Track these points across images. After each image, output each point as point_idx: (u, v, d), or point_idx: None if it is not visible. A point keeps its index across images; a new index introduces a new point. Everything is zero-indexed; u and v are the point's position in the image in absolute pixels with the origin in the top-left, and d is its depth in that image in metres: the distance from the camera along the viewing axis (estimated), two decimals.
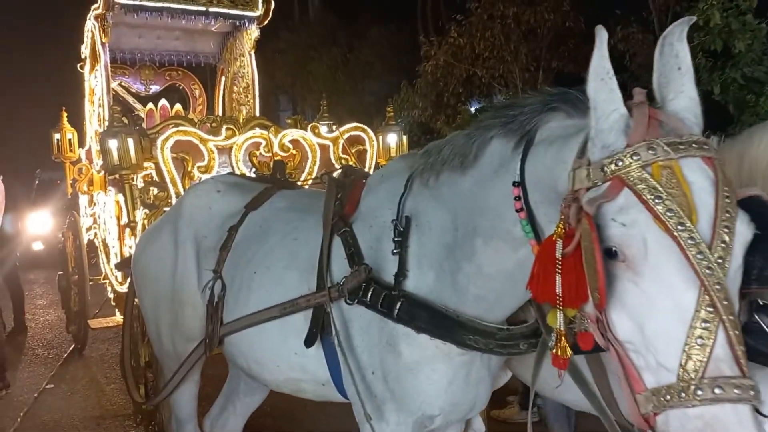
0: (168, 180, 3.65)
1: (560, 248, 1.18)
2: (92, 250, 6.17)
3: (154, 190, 3.70)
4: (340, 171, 2.11)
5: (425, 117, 9.40)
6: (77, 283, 6.16)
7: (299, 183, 3.04)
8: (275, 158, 3.79)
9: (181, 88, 7.52)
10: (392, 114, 4.38)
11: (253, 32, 5.99)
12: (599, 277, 1.09)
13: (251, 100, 6.23)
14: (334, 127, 4.44)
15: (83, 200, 6.36)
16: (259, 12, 5.75)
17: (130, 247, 4.95)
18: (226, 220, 2.36)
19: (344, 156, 4.17)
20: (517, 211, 1.45)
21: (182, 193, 3.64)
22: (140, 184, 4.32)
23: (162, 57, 6.79)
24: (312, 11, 17.76)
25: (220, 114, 6.73)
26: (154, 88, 7.30)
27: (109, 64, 5.51)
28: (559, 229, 1.21)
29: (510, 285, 1.60)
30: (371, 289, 1.75)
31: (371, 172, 4.35)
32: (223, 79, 6.89)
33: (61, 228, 13.73)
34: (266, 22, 5.94)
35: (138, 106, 6.98)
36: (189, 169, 3.72)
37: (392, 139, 4.34)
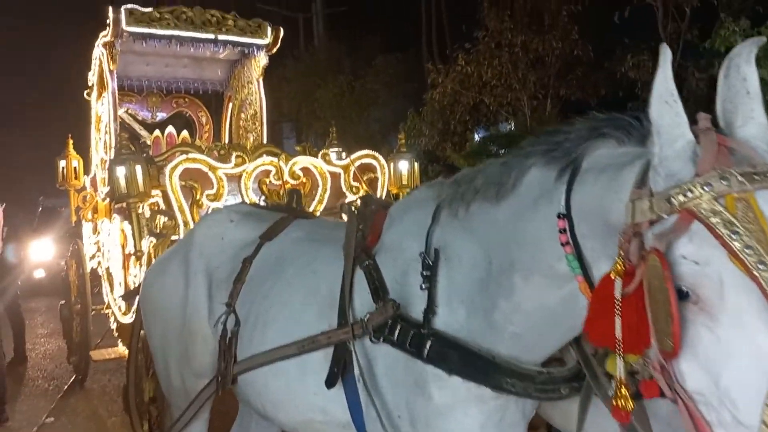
0: (176, 208, 3.56)
1: (620, 287, 1.07)
2: (95, 279, 6.07)
3: (161, 219, 3.61)
4: (359, 200, 2.00)
5: (432, 145, 9.36)
6: (79, 312, 6.05)
7: (311, 211, 2.94)
8: (287, 186, 3.70)
9: (187, 115, 7.49)
10: (404, 141, 4.30)
11: (262, 60, 5.96)
12: (673, 320, 0.98)
13: (259, 128, 6.19)
14: (343, 155, 4.36)
15: (87, 228, 6.27)
16: (268, 40, 5.72)
17: (135, 276, 4.85)
18: (240, 251, 2.25)
19: (355, 184, 4.09)
20: (562, 244, 1.34)
21: (190, 221, 3.55)
22: (147, 212, 4.24)
23: (169, 84, 6.78)
24: (317, 39, 17.89)
25: (227, 141, 6.68)
26: (161, 116, 7.28)
27: (116, 92, 5.47)
28: (618, 266, 1.10)
29: (551, 324, 1.48)
30: (398, 327, 1.64)
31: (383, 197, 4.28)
32: (231, 106, 6.86)
33: (64, 255, 13.63)
34: (275, 50, 5.91)
35: (144, 133, 6.95)
36: (198, 197, 3.63)
37: (404, 166, 4.25)
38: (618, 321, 1.06)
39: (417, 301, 1.67)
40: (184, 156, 3.61)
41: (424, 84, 12.96)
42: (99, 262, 5.93)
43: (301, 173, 3.92)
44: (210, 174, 3.65)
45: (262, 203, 3.78)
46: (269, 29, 5.69)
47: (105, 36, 5.42)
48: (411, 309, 1.68)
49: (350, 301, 1.76)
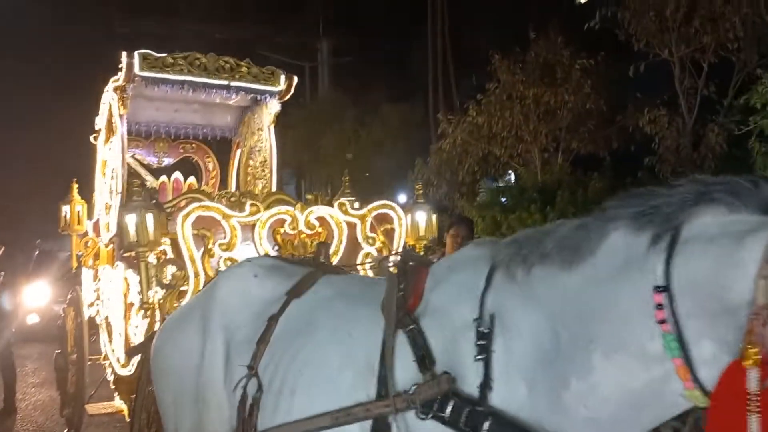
0: (187, 258, 3.40)
1: (756, 379, 0.91)
2: (92, 328, 5.86)
3: (169, 269, 3.44)
4: (398, 256, 1.85)
5: (440, 194, 9.28)
6: (75, 362, 5.80)
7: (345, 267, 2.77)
8: (302, 237, 3.56)
9: (194, 161, 7.42)
10: (421, 191, 4.18)
11: (274, 107, 5.92)
12: None
13: (268, 175, 6.10)
14: (356, 204, 4.24)
15: (87, 274, 6.10)
16: (281, 87, 5.69)
17: (137, 327, 4.65)
18: (265, 308, 2.09)
19: (371, 234, 3.94)
20: (658, 322, 1.19)
21: (201, 272, 3.39)
22: (153, 261, 4.09)
23: (178, 130, 6.74)
24: (322, 88, 18.05)
25: (235, 188, 6.59)
26: (167, 161, 7.22)
27: (126, 136, 5.38)
28: (752, 353, 0.94)
29: (634, 410, 1.32)
30: (451, 403, 1.46)
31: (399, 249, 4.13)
32: (239, 152, 6.80)
33: (59, 301, 13.35)
34: (287, 97, 5.87)
35: (150, 178, 6.87)
36: (209, 246, 3.48)
37: (421, 217, 4.12)
38: (755, 420, 0.90)
39: (469, 373, 1.51)
40: (196, 203, 3.47)
41: (429, 134, 13.04)
42: (98, 311, 5.74)
43: (316, 223, 3.78)
44: (223, 222, 3.51)
45: (274, 253, 3.63)
46: (282, 77, 5.67)
47: (116, 80, 5.36)
48: (462, 382, 1.52)
49: (392, 369, 1.59)
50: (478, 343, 1.49)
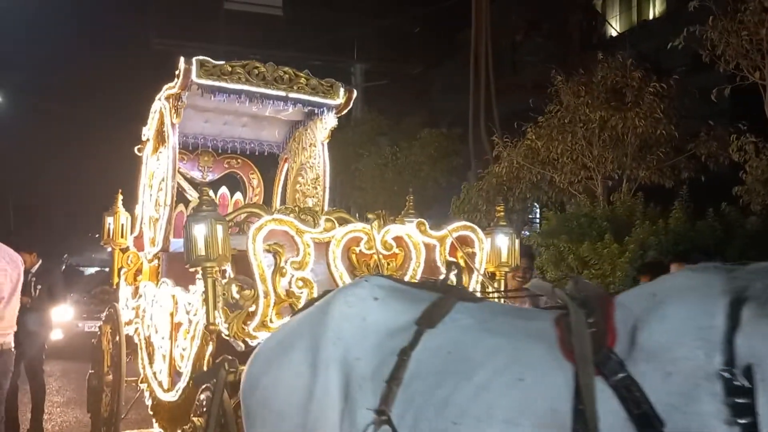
0: (257, 276, 3.10)
1: None
2: (128, 347, 5.60)
3: (233, 288, 3.15)
4: (571, 282, 1.52)
5: (489, 222, 8.90)
6: (111, 384, 5.52)
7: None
8: (393, 261, 3.25)
9: (237, 176, 7.22)
10: (502, 214, 3.85)
11: (330, 121, 5.68)
12: None
13: (320, 193, 5.86)
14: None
15: (125, 291, 5.85)
16: (340, 100, 5.46)
17: (184, 350, 4.38)
18: (387, 338, 1.79)
19: (451, 258, 3.62)
20: None
21: (271, 292, 3.08)
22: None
23: (225, 143, 6.59)
24: (355, 111, 17.93)
25: (279, 205, 6.34)
26: (211, 176, 7.01)
27: (177, 147, 5.17)
28: None
29: None
30: None
31: (478, 280, 3.79)
32: (286, 168, 6.57)
33: (82, 317, 13.17)
34: (345, 112, 5.63)
35: (194, 193, 6.65)
36: (281, 264, 3.18)
37: (503, 242, 3.80)
38: None
39: None
40: (269, 216, 3.18)
41: (468, 158, 12.76)
42: (136, 330, 5.48)
43: (393, 243, 3.47)
44: (296, 238, 3.21)
45: (348, 276, 3.32)
46: (342, 90, 5.44)
47: (171, 88, 5.17)
48: None
49: (596, 429, 1.25)
50: (734, 401, 1.15)
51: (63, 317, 12.68)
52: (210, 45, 15.43)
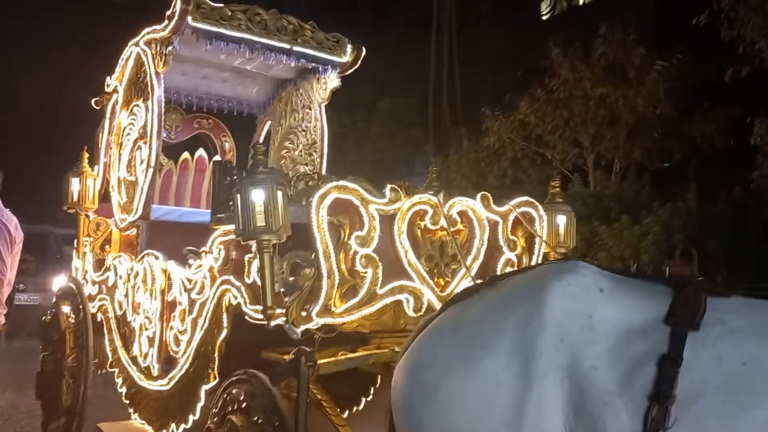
0: (321, 252, 2.64)
1: None
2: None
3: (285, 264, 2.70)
4: None
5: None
6: (72, 368, 4.88)
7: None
8: (441, 233, 2.86)
9: (206, 138, 6.55)
10: (558, 190, 3.55)
11: (332, 82, 5.18)
12: None
13: (317, 159, 5.36)
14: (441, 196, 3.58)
15: (78, 262, 5.21)
16: (347, 59, 4.99)
17: (181, 332, 3.89)
18: (626, 342, 1.45)
19: (513, 237, 3.29)
20: None
21: (336, 271, 2.65)
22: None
23: (201, 101, 5.90)
24: None
25: None
26: (179, 137, 6.31)
27: (162, 100, 4.55)
28: None
29: None
30: None
31: (539, 258, 3.49)
32: (264, 131, 6.02)
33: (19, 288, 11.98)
34: (349, 72, 5.16)
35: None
36: (345, 239, 2.73)
37: (561, 220, 3.50)
38: None
39: None
40: (333, 183, 2.72)
41: (426, 131, 12.46)
42: (102, 307, 4.87)
43: (458, 218, 3.09)
44: (362, 209, 2.77)
45: (413, 254, 2.93)
46: (349, 47, 4.97)
47: (157, 31, 4.53)
48: None
49: None
50: None
51: None
52: None
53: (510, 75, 8.43)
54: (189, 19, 4.24)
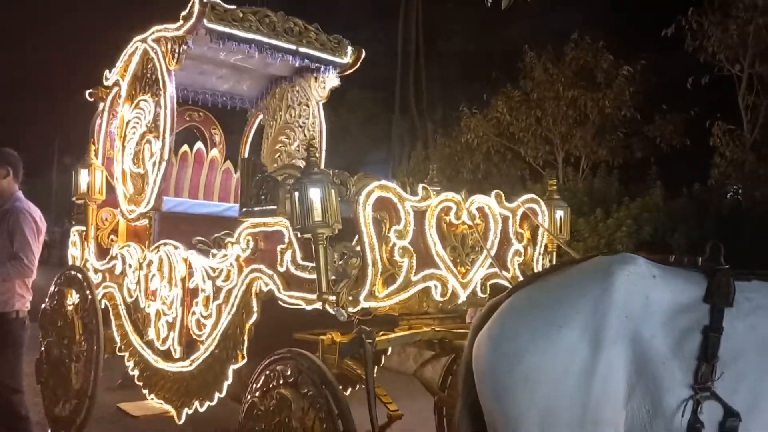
0: (367, 244, 2.98)
1: None
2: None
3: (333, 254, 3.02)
4: None
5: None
6: (81, 354, 5.03)
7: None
8: (463, 228, 3.25)
9: (196, 131, 6.72)
10: (555, 187, 3.97)
11: (331, 81, 5.47)
12: None
13: (316, 155, 5.60)
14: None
15: (77, 252, 5.35)
16: (347, 60, 5.27)
17: (204, 317, 4.13)
18: (674, 317, 1.84)
19: (520, 230, 3.69)
20: None
21: (378, 261, 2.99)
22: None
23: (196, 95, 6.07)
24: None
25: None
26: None
27: (175, 97, 4.74)
28: None
29: None
30: None
31: (541, 249, 3.90)
32: (255, 125, 6.26)
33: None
34: (349, 72, 5.45)
35: None
36: (385, 232, 3.08)
37: (560, 214, 3.92)
38: None
39: None
40: (376, 183, 3.06)
41: (390, 127, 12.80)
42: (108, 294, 5.03)
43: (477, 213, 3.48)
44: (399, 206, 3.12)
45: (441, 246, 3.29)
46: (350, 48, 5.25)
47: (169, 30, 4.71)
48: None
49: None
50: None
51: None
52: None
53: (483, 73, 8.87)
54: (204, 20, 4.45)
